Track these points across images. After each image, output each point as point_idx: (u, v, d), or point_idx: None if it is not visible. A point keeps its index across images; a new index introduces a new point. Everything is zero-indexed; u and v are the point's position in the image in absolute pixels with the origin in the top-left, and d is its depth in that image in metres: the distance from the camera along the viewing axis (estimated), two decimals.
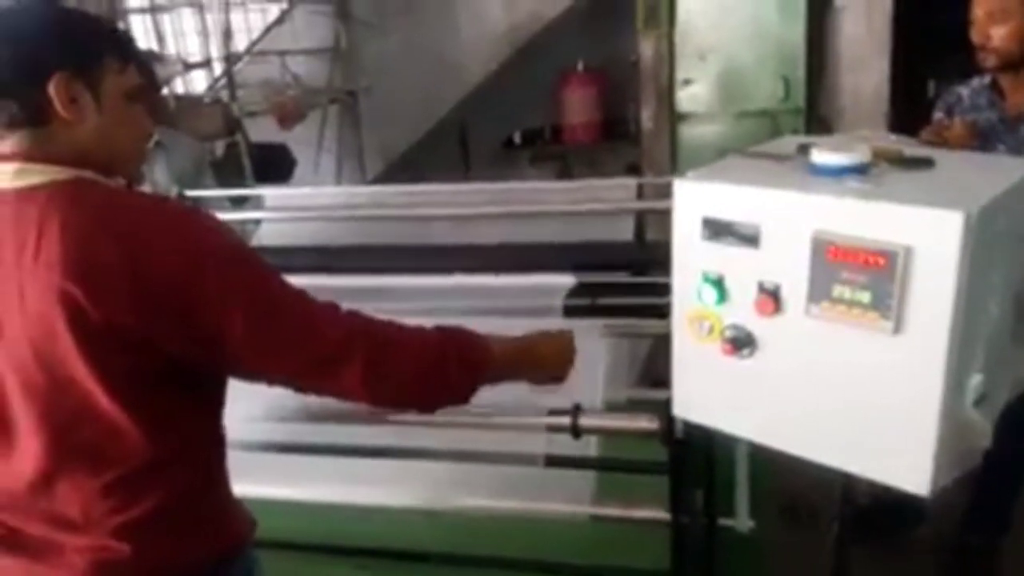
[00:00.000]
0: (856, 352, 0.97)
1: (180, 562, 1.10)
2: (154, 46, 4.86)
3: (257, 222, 2.36)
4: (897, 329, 0.93)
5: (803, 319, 0.99)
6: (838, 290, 0.96)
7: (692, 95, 4.37)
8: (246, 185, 3.89)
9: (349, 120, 5.45)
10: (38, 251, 0.96)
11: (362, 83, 5.33)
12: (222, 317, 1.00)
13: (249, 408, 1.30)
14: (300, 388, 1.11)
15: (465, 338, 1.17)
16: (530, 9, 5.02)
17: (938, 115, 2.08)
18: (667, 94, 4.39)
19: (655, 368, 1.68)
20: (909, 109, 2.10)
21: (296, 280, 1.08)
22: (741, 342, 1.06)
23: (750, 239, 1.02)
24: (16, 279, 0.98)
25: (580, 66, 5.58)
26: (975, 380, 0.96)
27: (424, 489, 1.52)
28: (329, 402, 1.15)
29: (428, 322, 1.18)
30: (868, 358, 0.96)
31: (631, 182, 2.02)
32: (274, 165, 4.50)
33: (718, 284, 1.06)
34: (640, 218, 2.04)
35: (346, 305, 1.11)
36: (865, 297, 0.94)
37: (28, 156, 1.01)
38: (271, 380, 1.09)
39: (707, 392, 1.13)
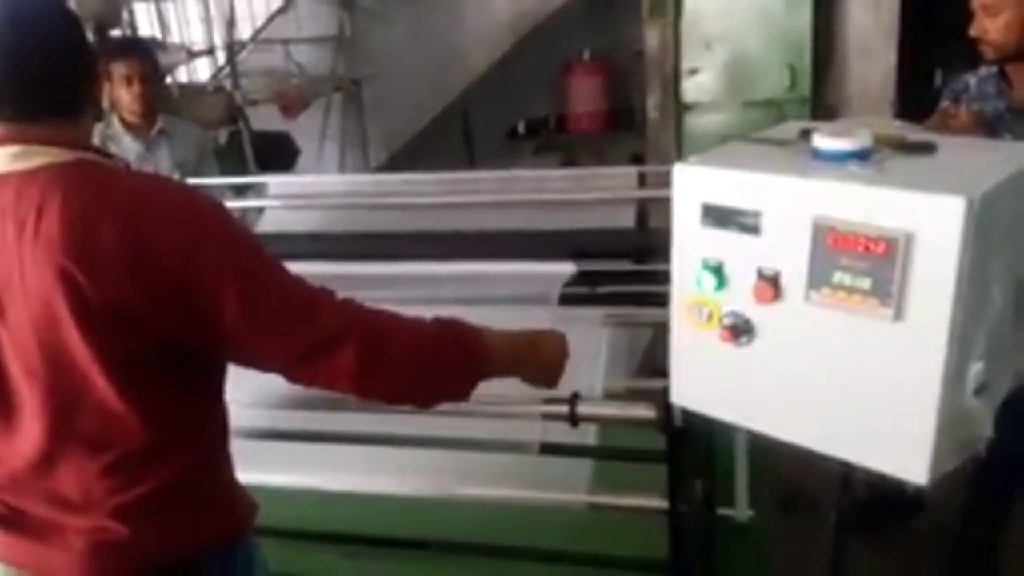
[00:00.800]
0: (856, 339, 0.95)
1: (179, 544, 1.10)
2: (158, 34, 4.86)
3: (260, 210, 2.36)
4: (897, 316, 0.91)
5: (803, 306, 0.98)
6: (838, 276, 0.94)
7: (698, 84, 4.36)
8: (248, 173, 3.89)
9: (353, 109, 5.44)
10: (38, 230, 0.97)
11: (366, 72, 5.32)
12: (216, 297, 1.00)
13: (243, 395, 1.30)
14: (292, 376, 1.10)
15: (462, 331, 1.15)
16: None
17: (945, 103, 2.06)
18: (672, 83, 4.37)
19: (656, 357, 1.67)
20: (916, 98, 2.08)
21: (295, 267, 1.08)
22: (740, 329, 1.04)
23: (750, 225, 1.00)
24: (17, 260, 0.98)
25: (585, 55, 5.56)
26: (976, 368, 0.95)
27: (421, 477, 1.51)
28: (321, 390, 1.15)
29: (427, 309, 1.17)
30: (868, 346, 0.95)
31: (632, 170, 2.01)
32: (277, 153, 4.51)
33: (717, 271, 1.05)
34: (643, 207, 2.03)
35: (346, 292, 1.11)
36: (865, 284, 0.92)
37: (32, 140, 1.01)
38: (264, 365, 1.09)
39: (705, 380, 1.12)
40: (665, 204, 1.09)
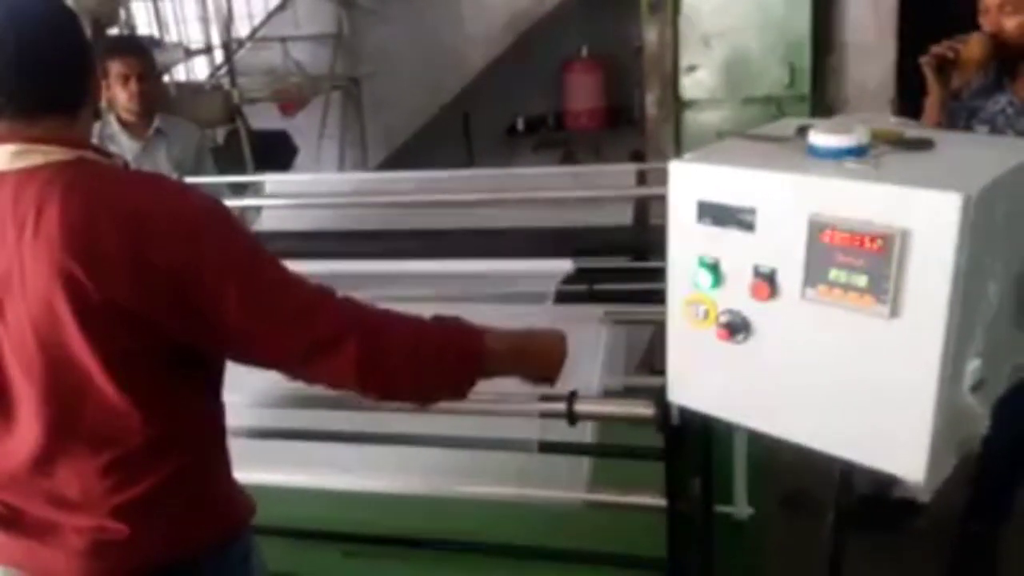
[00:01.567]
0: (852, 336, 0.95)
1: (178, 543, 1.10)
2: (155, 32, 4.85)
3: (258, 209, 2.36)
4: (894, 313, 0.91)
5: (799, 303, 0.98)
6: (834, 273, 0.94)
7: (696, 81, 4.34)
8: (246, 172, 3.89)
9: (351, 107, 5.44)
10: (37, 228, 0.97)
11: (364, 70, 5.31)
12: (216, 296, 1.00)
13: (243, 395, 1.30)
14: (292, 373, 1.10)
15: (462, 329, 1.16)
16: None
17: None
18: (671, 80, 4.36)
19: (656, 355, 1.67)
20: (915, 95, 2.07)
21: (294, 265, 1.08)
22: (736, 327, 1.04)
23: (746, 222, 1.00)
24: (17, 259, 0.98)
25: (584, 52, 5.55)
26: (973, 365, 0.94)
27: (419, 475, 1.51)
28: (322, 388, 1.15)
29: (426, 307, 1.17)
30: (864, 342, 0.95)
31: (631, 167, 2.01)
32: (275, 152, 4.50)
33: (713, 268, 1.04)
34: (643, 205, 2.03)
35: (345, 291, 1.11)
36: (862, 280, 0.92)
37: (30, 139, 1.01)
38: (264, 363, 1.09)
39: (702, 378, 1.12)
40: (663, 201, 1.09)
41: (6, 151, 1.00)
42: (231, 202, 2.44)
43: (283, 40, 5.20)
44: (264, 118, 4.83)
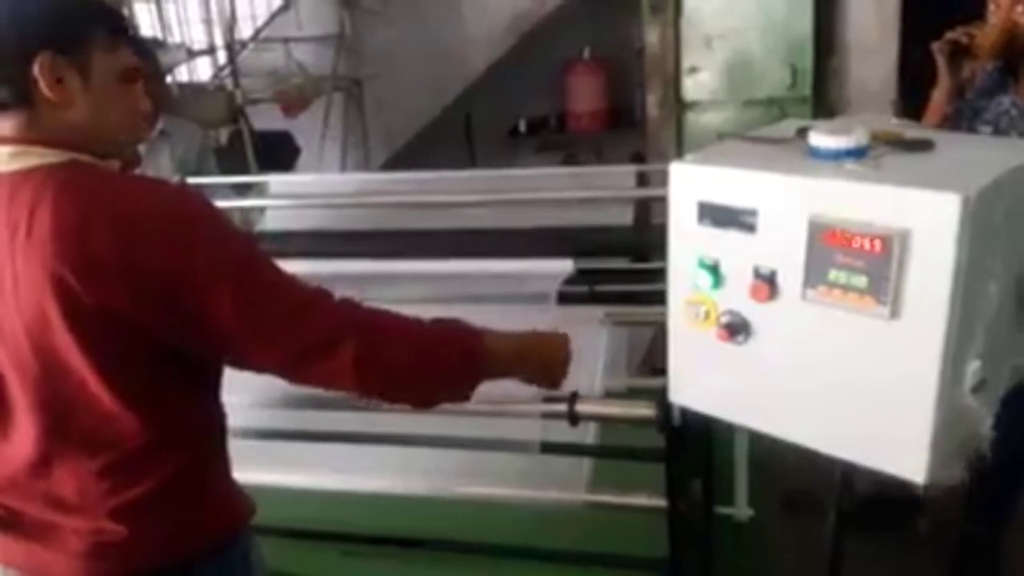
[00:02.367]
0: (853, 337, 0.95)
1: (176, 544, 1.10)
2: (158, 33, 4.86)
3: (261, 209, 2.36)
4: (894, 314, 0.91)
5: (799, 304, 0.98)
6: (834, 274, 0.94)
7: (698, 83, 4.34)
8: (249, 173, 3.89)
9: (354, 108, 5.44)
10: (30, 231, 0.96)
11: (367, 71, 5.32)
12: (211, 301, 0.99)
13: (241, 394, 1.30)
14: (290, 377, 1.10)
15: (462, 331, 1.15)
16: None
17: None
18: (673, 82, 4.36)
19: (658, 356, 1.68)
20: (918, 97, 2.08)
21: (296, 265, 1.08)
22: (736, 328, 1.04)
23: (746, 223, 1.00)
24: (10, 263, 0.98)
25: (586, 54, 5.55)
26: (974, 366, 0.94)
27: (419, 476, 1.51)
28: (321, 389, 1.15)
29: (428, 307, 1.17)
30: (865, 343, 0.95)
31: (631, 169, 2.01)
32: (278, 153, 4.50)
33: (713, 269, 1.04)
34: (642, 206, 2.03)
35: (347, 291, 1.10)
36: (862, 282, 0.92)
37: (23, 139, 1.00)
38: (261, 368, 1.08)
39: (703, 379, 1.12)
40: (664, 202, 1.09)
41: (3, 152, 1.00)
42: (234, 203, 2.45)
43: (286, 41, 5.20)
44: (267, 119, 4.84)
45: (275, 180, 2.47)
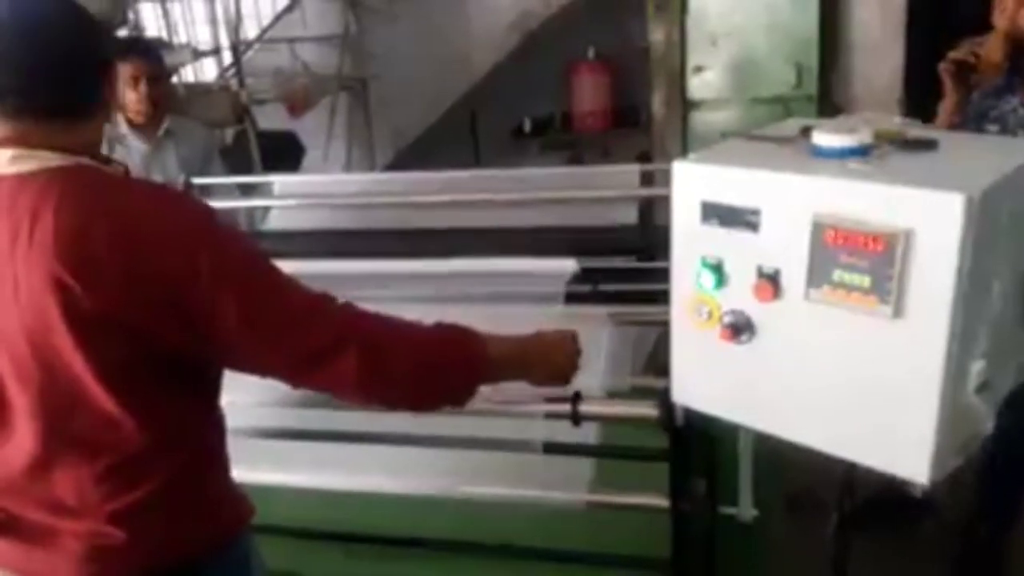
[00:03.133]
0: (856, 337, 0.95)
1: (176, 547, 1.10)
2: (164, 34, 4.87)
3: (266, 209, 2.37)
4: (897, 313, 0.91)
5: (802, 304, 0.98)
6: (838, 274, 0.94)
7: (704, 82, 4.33)
8: (255, 172, 3.90)
9: (359, 108, 5.45)
10: (32, 235, 0.96)
11: (372, 71, 5.32)
12: (215, 307, 0.99)
13: (244, 394, 1.30)
14: (292, 381, 1.10)
15: (462, 338, 1.15)
16: None
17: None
18: (678, 81, 4.35)
19: (665, 355, 1.67)
20: (923, 95, 2.07)
21: (301, 265, 1.08)
22: (740, 328, 1.04)
23: (749, 223, 1.00)
24: (11, 267, 0.97)
25: (591, 53, 5.54)
26: (977, 366, 0.94)
27: (421, 475, 1.51)
28: None
29: (431, 307, 1.17)
30: (868, 343, 0.94)
31: (635, 168, 2.01)
32: (283, 153, 4.51)
33: (717, 269, 1.04)
34: (647, 206, 2.03)
35: (351, 290, 1.11)
36: (865, 281, 0.92)
37: (31, 143, 1.00)
38: (265, 372, 1.08)
39: (706, 378, 1.12)
40: (668, 202, 1.09)
41: (4, 155, 0.99)
42: (239, 202, 2.45)
43: (291, 41, 5.21)
44: (272, 119, 4.85)
45: (280, 180, 2.47)
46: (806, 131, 1.06)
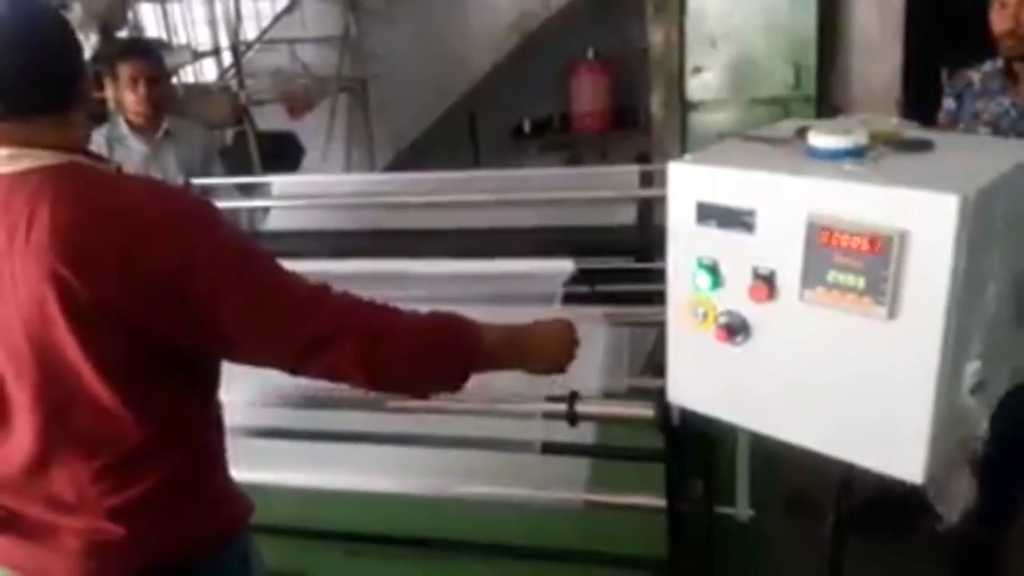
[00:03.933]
0: (851, 338, 0.95)
1: (174, 544, 1.10)
2: (163, 35, 4.88)
3: (265, 210, 2.37)
4: (892, 314, 0.91)
5: (797, 305, 0.98)
6: (833, 275, 0.94)
7: (702, 83, 4.34)
8: (254, 173, 3.91)
9: (358, 109, 5.45)
10: (29, 233, 0.97)
11: (371, 72, 5.32)
12: (214, 300, 1.00)
13: (242, 393, 1.30)
14: (293, 371, 1.11)
15: (457, 324, 1.16)
16: None
17: (948, 101, 2.05)
18: (677, 82, 4.35)
19: (661, 356, 1.67)
20: (921, 96, 2.08)
21: (300, 265, 1.08)
22: (735, 328, 1.04)
23: (745, 223, 1.01)
24: (8, 264, 0.98)
25: (590, 54, 5.55)
26: (972, 367, 0.94)
27: (419, 475, 1.52)
28: (323, 387, 1.15)
29: (427, 308, 1.17)
30: (863, 344, 0.95)
31: (633, 168, 2.01)
32: (282, 153, 4.52)
33: (712, 269, 1.05)
34: (646, 206, 2.03)
35: (349, 290, 1.11)
36: (860, 282, 0.92)
37: (21, 141, 1.01)
38: (264, 363, 1.09)
39: (702, 379, 1.12)
40: (666, 202, 1.09)
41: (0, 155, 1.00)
42: (239, 203, 2.46)
43: (291, 42, 5.21)
44: (271, 120, 4.85)
45: (279, 180, 2.48)
46: (802, 132, 1.06)
